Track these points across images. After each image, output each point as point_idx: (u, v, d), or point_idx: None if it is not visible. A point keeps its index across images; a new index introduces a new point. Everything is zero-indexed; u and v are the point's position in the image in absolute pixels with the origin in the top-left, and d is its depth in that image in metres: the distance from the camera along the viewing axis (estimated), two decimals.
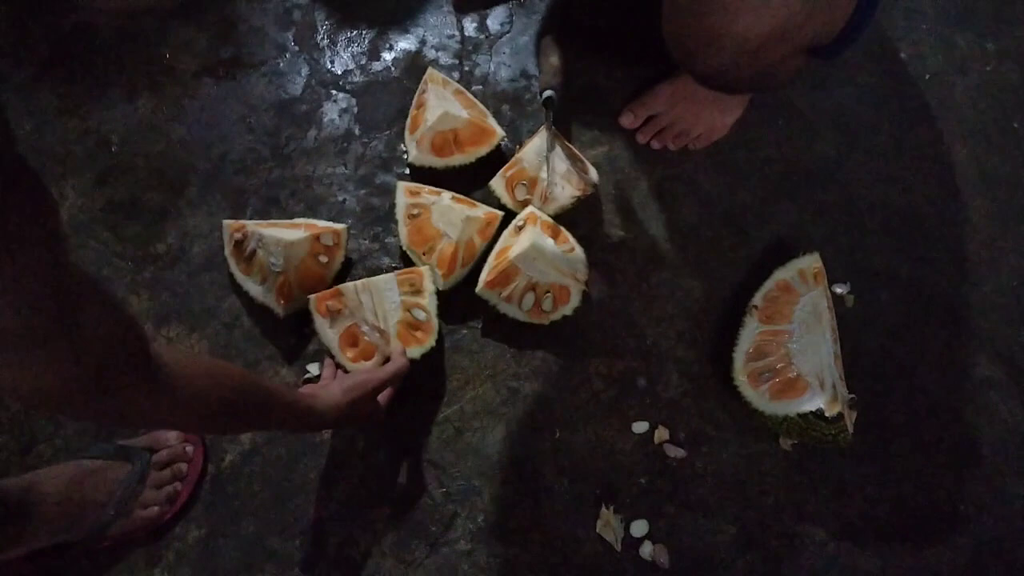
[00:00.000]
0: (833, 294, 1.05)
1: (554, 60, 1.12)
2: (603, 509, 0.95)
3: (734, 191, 1.13)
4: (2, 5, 1.28)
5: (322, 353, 1.03)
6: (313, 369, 1.01)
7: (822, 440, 0.92)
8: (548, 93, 1.08)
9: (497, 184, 1.08)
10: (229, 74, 1.21)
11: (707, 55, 0.83)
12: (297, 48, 1.23)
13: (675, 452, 0.98)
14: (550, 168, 1.04)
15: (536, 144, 1.07)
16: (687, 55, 0.86)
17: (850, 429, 0.91)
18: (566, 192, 1.06)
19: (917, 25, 1.25)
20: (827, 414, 0.89)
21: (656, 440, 0.98)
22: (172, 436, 0.96)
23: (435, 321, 1.00)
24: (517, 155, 1.08)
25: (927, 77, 1.22)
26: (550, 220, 1.05)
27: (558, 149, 1.06)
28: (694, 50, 0.84)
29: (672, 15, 0.85)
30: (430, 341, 0.99)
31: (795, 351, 0.96)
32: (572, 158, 1.08)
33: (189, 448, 0.96)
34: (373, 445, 0.98)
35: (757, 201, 1.13)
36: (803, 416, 0.90)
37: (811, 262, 1.02)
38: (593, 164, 1.10)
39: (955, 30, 1.25)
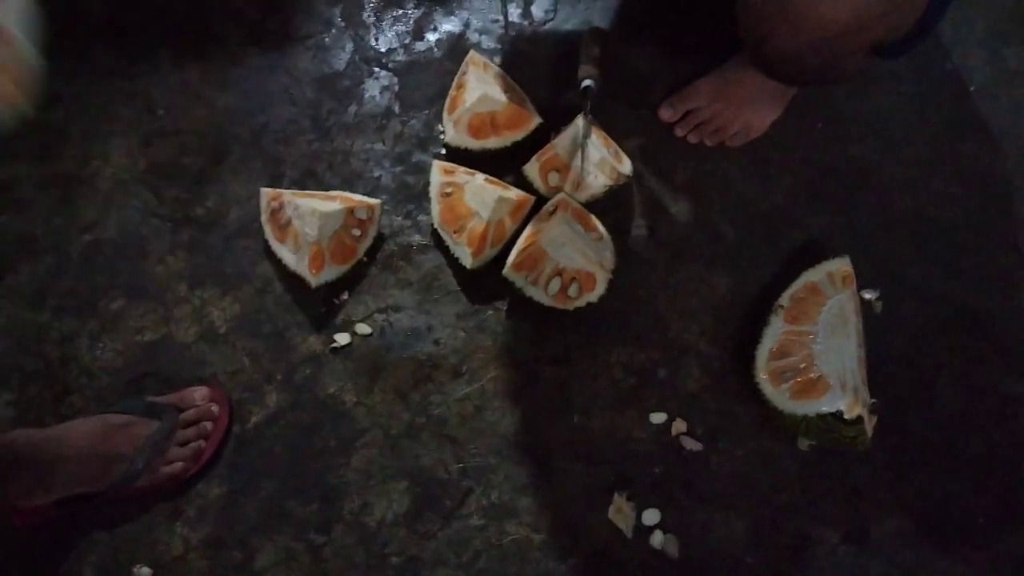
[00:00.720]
0: (861, 299, 1.05)
1: (595, 51, 1.12)
2: (616, 496, 0.96)
3: (767, 190, 1.13)
4: None
5: (350, 324, 1.05)
6: (341, 339, 1.03)
7: (840, 442, 0.93)
8: (587, 83, 1.08)
9: (531, 169, 1.09)
10: (275, 46, 1.23)
11: (783, 38, 0.81)
12: (343, 24, 1.25)
13: (692, 445, 0.99)
14: (584, 156, 1.05)
15: (572, 132, 1.08)
16: (761, 37, 0.85)
17: (869, 433, 0.91)
18: (599, 181, 1.07)
19: (966, 37, 1.24)
20: (847, 416, 0.89)
21: (673, 432, 0.99)
22: (199, 395, 0.98)
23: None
24: (552, 141, 1.08)
25: (972, 89, 1.20)
26: (581, 207, 1.06)
27: (593, 138, 1.07)
28: (770, 32, 0.82)
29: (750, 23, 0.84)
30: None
31: (819, 352, 0.96)
32: (607, 147, 1.08)
33: (215, 407, 0.98)
34: (394, 417, 1.00)
35: (790, 202, 1.12)
36: (822, 417, 0.91)
37: (841, 265, 1.02)
38: (627, 154, 1.11)
39: (1004, 44, 1.24)
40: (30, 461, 0.87)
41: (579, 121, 1.08)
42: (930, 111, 1.18)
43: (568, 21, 1.25)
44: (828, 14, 0.76)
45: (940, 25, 1.22)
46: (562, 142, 1.08)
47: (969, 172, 1.15)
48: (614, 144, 1.11)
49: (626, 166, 1.09)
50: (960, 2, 1.23)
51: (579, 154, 1.06)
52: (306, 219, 1.02)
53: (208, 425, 0.97)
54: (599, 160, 1.07)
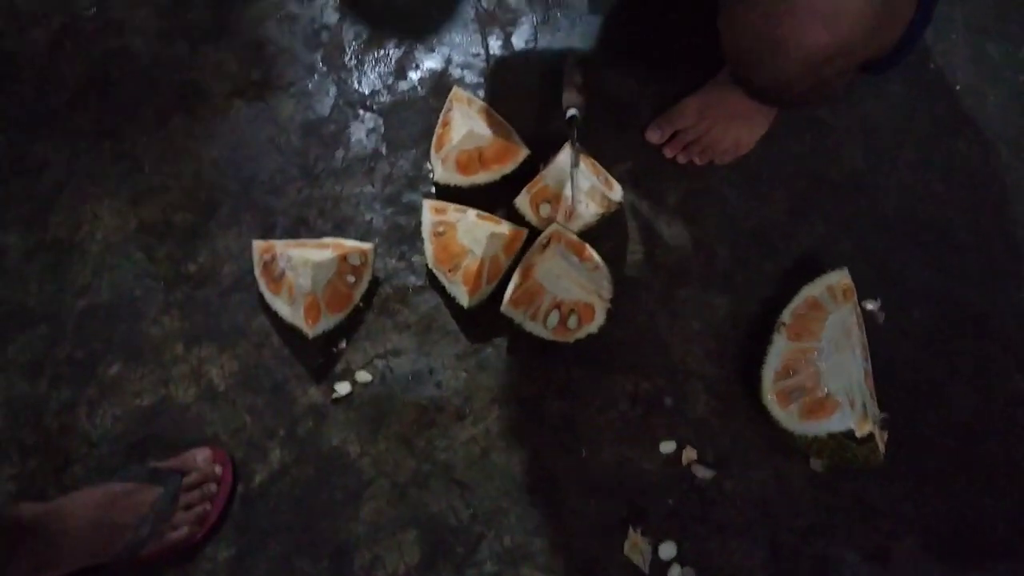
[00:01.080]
0: (863, 310, 1.04)
1: (577, 80, 1.12)
2: (630, 531, 0.95)
3: (760, 206, 1.12)
4: (37, 30, 1.31)
5: (350, 372, 1.04)
6: (341, 388, 1.02)
7: (853, 461, 0.91)
8: (571, 112, 1.08)
9: (522, 202, 1.08)
10: (259, 96, 1.23)
11: (771, 67, 0.81)
12: (325, 69, 1.25)
13: (703, 472, 0.97)
14: (574, 186, 1.04)
15: (560, 162, 1.07)
16: (748, 66, 0.85)
17: (881, 449, 0.90)
18: (590, 209, 1.06)
19: (947, 35, 1.23)
20: (858, 435, 0.88)
21: (684, 460, 0.98)
22: (201, 457, 0.97)
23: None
24: (541, 173, 1.08)
25: (957, 88, 1.20)
26: (574, 237, 1.05)
27: (582, 167, 1.06)
28: (756, 62, 0.82)
29: (736, 25, 0.83)
30: None
31: (824, 369, 0.94)
32: (596, 175, 1.08)
33: (218, 468, 0.97)
34: (400, 465, 0.99)
35: (784, 216, 1.12)
36: (833, 436, 0.89)
37: (840, 278, 1.01)
38: (617, 180, 1.10)
39: (986, 40, 1.23)
40: (34, 537, 0.86)
41: (566, 150, 1.07)
42: (918, 113, 1.18)
43: (549, 50, 1.24)
44: (812, 42, 0.75)
45: None
46: (551, 173, 1.07)
47: (962, 172, 1.14)
48: (604, 171, 1.10)
49: (616, 193, 1.08)
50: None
51: (569, 184, 1.05)
52: (299, 270, 1.01)
53: (212, 487, 0.96)
54: (589, 188, 1.06)
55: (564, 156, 1.08)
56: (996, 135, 1.16)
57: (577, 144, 1.07)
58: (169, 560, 0.95)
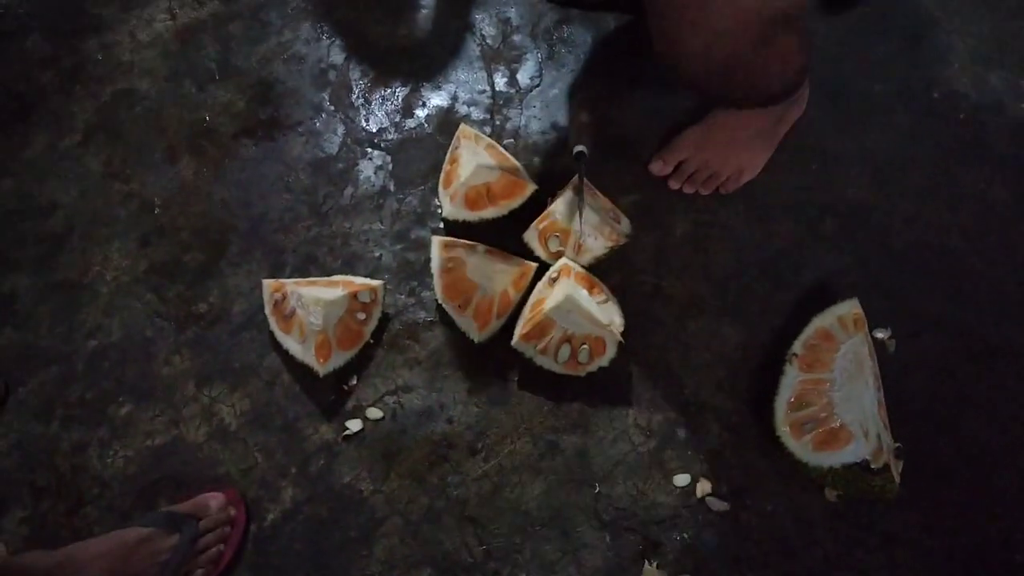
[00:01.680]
0: (874, 339, 1.04)
1: (584, 117, 1.13)
2: (646, 565, 0.94)
3: (769, 236, 1.13)
4: (46, 73, 1.33)
5: (361, 409, 1.04)
6: (353, 426, 1.02)
7: (869, 492, 0.91)
8: (579, 148, 1.09)
9: (530, 236, 1.09)
10: (267, 135, 1.24)
11: (689, 40, 0.82)
12: (332, 108, 1.26)
13: (718, 505, 0.96)
14: (582, 220, 1.05)
15: (568, 197, 1.08)
16: (671, 46, 0.86)
17: (896, 480, 0.89)
18: (599, 243, 1.07)
19: (949, 65, 1.25)
20: (873, 465, 0.87)
21: (699, 493, 0.97)
22: (215, 503, 0.96)
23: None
24: (549, 208, 1.08)
25: (961, 116, 1.21)
26: (584, 271, 1.06)
27: (590, 201, 1.07)
28: (676, 38, 0.83)
29: (656, 15, 0.85)
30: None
31: (838, 400, 0.94)
32: (604, 209, 1.08)
33: (232, 510, 0.97)
34: (413, 502, 0.98)
35: (793, 246, 1.12)
36: (848, 467, 0.89)
37: (850, 308, 1.01)
38: (625, 212, 1.11)
39: (988, 68, 1.24)
40: None
41: (574, 184, 1.08)
42: (923, 142, 1.19)
43: (554, 86, 1.26)
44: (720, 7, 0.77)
45: (922, 54, 1.23)
46: (559, 208, 1.08)
47: (968, 199, 1.14)
48: (611, 204, 1.10)
49: (624, 225, 1.08)
50: (937, 30, 1.25)
51: (577, 219, 1.06)
52: (310, 308, 1.02)
53: (227, 529, 0.95)
54: (597, 223, 1.07)
55: (571, 191, 1.08)
56: (1000, 162, 1.16)
57: (585, 180, 1.07)
58: None
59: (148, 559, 0.90)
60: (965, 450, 0.99)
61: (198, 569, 0.93)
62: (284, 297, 1.05)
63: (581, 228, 1.05)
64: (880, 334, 1.05)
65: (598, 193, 1.10)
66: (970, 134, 1.19)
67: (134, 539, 0.91)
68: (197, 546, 0.93)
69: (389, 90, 1.27)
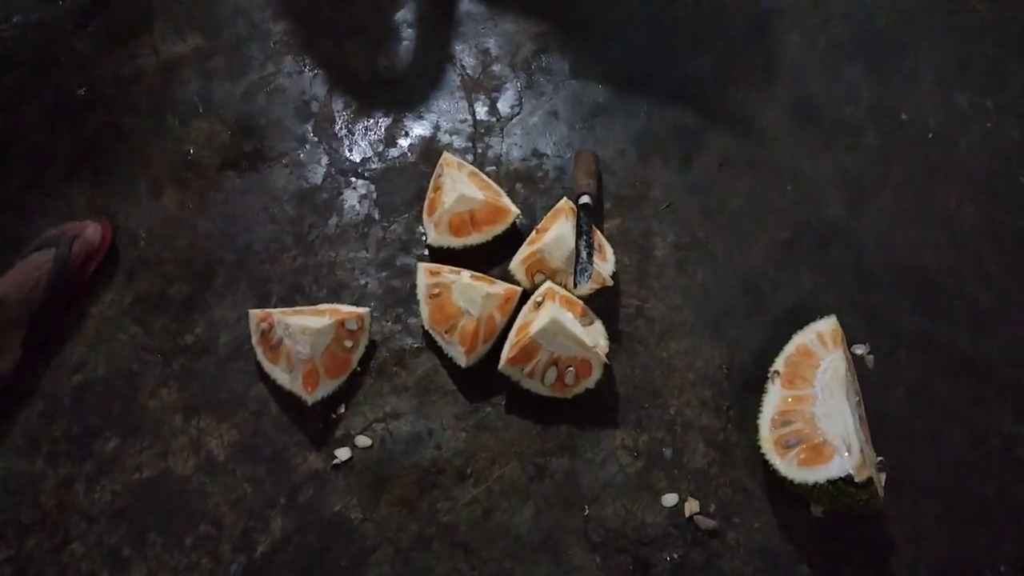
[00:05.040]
0: (853, 355, 1.06)
1: (590, 167, 1.15)
2: None
3: (747, 257, 1.15)
4: (30, 108, 1.34)
5: (349, 437, 1.04)
6: (341, 454, 1.02)
7: (854, 506, 0.92)
8: (585, 199, 1.11)
9: (517, 269, 1.10)
10: (251, 167, 1.25)
11: None
12: (316, 139, 1.28)
13: (706, 524, 0.97)
14: (577, 271, 1.06)
15: (558, 237, 1.09)
16: None
17: (880, 493, 0.91)
18: (585, 288, 1.08)
19: (916, 87, 1.29)
20: (856, 480, 0.88)
21: (687, 512, 0.98)
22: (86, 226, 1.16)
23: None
24: (538, 244, 1.09)
25: (930, 136, 1.24)
26: (568, 294, 1.07)
27: (585, 248, 1.08)
28: None
29: None
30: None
31: (820, 415, 0.96)
32: (597, 249, 1.10)
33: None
34: (403, 529, 0.98)
35: (771, 265, 1.14)
36: (832, 483, 0.90)
37: (829, 325, 1.03)
38: (607, 237, 1.13)
39: (954, 89, 1.28)
40: None
41: (565, 226, 1.09)
42: (894, 162, 1.22)
43: (534, 113, 1.28)
44: None
45: (889, 77, 1.27)
46: (548, 245, 1.09)
47: (939, 217, 1.17)
48: (600, 237, 1.12)
49: (610, 263, 1.10)
50: (903, 54, 1.29)
51: (573, 268, 1.06)
52: (297, 338, 1.02)
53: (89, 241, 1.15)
54: (592, 272, 1.07)
55: (562, 231, 1.09)
56: (969, 180, 1.20)
57: (590, 229, 1.09)
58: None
59: (36, 270, 1.10)
60: (946, 462, 1.01)
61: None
62: (271, 327, 1.06)
63: (577, 281, 1.06)
64: (859, 350, 1.07)
65: (596, 235, 1.11)
66: (939, 153, 1.23)
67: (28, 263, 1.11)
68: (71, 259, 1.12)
69: (372, 120, 1.29)
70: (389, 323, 1.12)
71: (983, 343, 1.08)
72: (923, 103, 1.27)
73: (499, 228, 1.14)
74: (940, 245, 1.15)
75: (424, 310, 1.09)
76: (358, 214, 1.21)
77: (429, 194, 1.18)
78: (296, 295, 1.14)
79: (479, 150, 1.26)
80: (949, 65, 1.31)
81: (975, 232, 1.16)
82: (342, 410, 1.06)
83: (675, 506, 0.99)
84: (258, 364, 1.08)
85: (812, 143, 1.24)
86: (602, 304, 1.10)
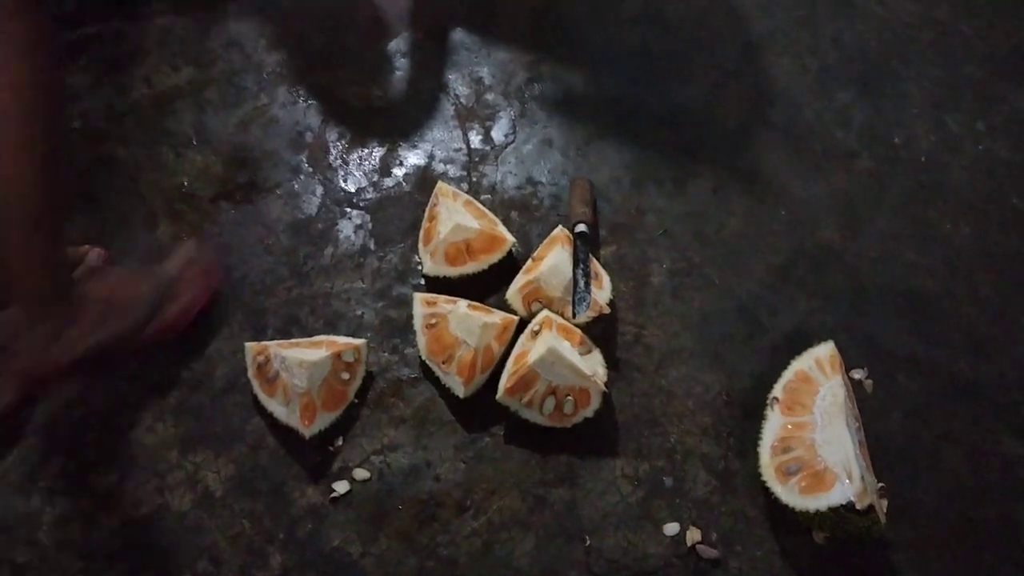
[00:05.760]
0: (851, 379, 1.06)
1: (585, 195, 1.16)
2: None
3: (743, 282, 1.15)
4: None
5: (347, 470, 1.03)
6: (340, 487, 1.01)
7: (855, 533, 0.92)
8: (581, 227, 1.11)
9: (513, 298, 1.10)
10: (246, 198, 1.25)
11: None
12: (311, 169, 1.28)
13: (708, 553, 0.97)
14: (576, 301, 1.06)
15: (553, 263, 1.09)
16: None
17: (882, 519, 0.91)
18: (582, 318, 1.08)
19: (907, 110, 1.30)
20: (858, 507, 0.88)
21: (688, 541, 0.97)
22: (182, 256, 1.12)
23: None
24: (534, 273, 1.10)
25: (922, 159, 1.25)
26: (566, 322, 1.07)
27: (583, 277, 1.08)
28: None
29: None
30: None
31: (820, 442, 0.96)
32: (594, 276, 1.10)
33: (204, 262, 1.14)
34: (403, 563, 0.98)
35: (767, 291, 1.14)
36: (834, 510, 0.90)
37: (827, 350, 1.03)
38: (603, 264, 1.13)
39: (944, 112, 1.30)
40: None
41: (562, 255, 1.10)
42: (887, 185, 1.23)
43: (528, 141, 1.29)
44: None
45: (880, 101, 1.28)
46: (545, 275, 1.09)
47: (933, 240, 1.18)
48: (597, 266, 1.12)
49: (606, 291, 1.10)
50: (894, 77, 1.31)
51: (570, 299, 1.06)
52: (293, 371, 1.02)
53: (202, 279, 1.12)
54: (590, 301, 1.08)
55: (558, 259, 1.09)
56: (963, 202, 1.21)
57: (587, 257, 1.09)
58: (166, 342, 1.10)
59: (136, 291, 1.04)
60: (947, 487, 1.01)
61: (177, 308, 1.08)
62: (267, 360, 1.05)
63: (575, 311, 1.06)
64: (857, 375, 1.07)
65: (593, 262, 1.12)
66: (932, 176, 1.23)
67: (126, 276, 1.06)
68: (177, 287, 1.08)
69: (366, 150, 1.30)
70: (386, 354, 1.12)
71: (980, 365, 1.09)
72: (915, 126, 1.28)
73: (495, 257, 1.14)
74: (935, 268, 1.15)
75: (421, 340, 1.09)
76: (353, 244, 1.21)
77: (424, 223, 1.18)
78: (292, 327, 1.14)
79: (474, 179, 1.26)
80: (940, 88, 1.32)
81: (970, 254, 1.16)
82: (339, 443, 1.05)
83: (677, 535, 0.98)
84: (255, 397, 1.07)
85: (805, 167, 1.25)
86: (599, 332, 1.10)
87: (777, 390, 1.02)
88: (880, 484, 0.96)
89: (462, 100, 1.35)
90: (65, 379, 1.01)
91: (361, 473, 1.03)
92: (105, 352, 0.99)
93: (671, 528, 0.98)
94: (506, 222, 1.20)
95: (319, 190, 1.26)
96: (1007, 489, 1.01)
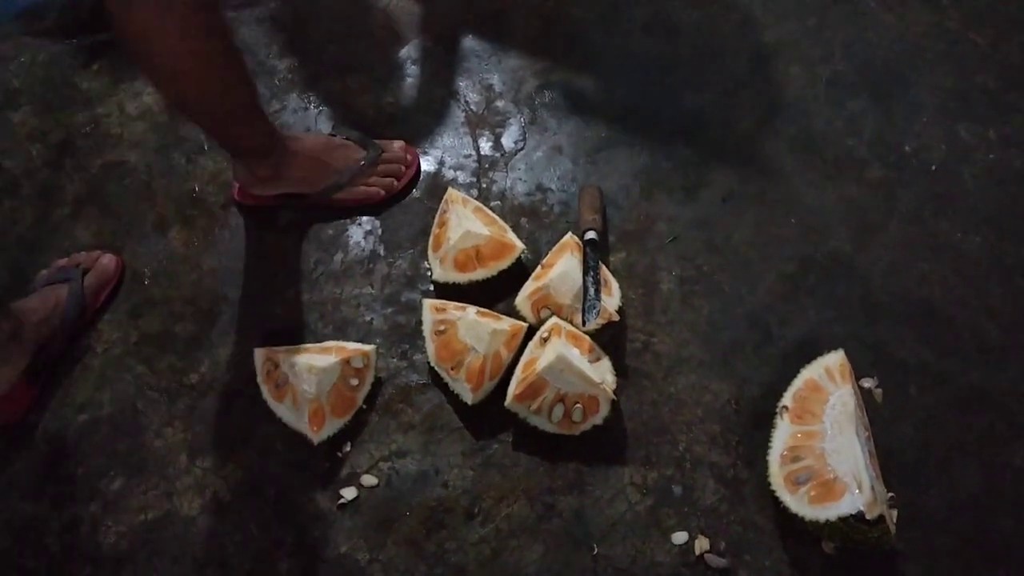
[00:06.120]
0: (861, 388, 1.05)
1: (595, 203, 1.16)
2: None
3: (753, 290, 1.15)
4: (36, 147, 1.35)
5: (355, 476, 1.03)
6: (347, 493, 1.01)
7: (865, 543, 0.91)
8: (591, 235, 1.11)
9: (523, 305, 1.10)
10: (256, 203, 1.25)
11: None
12: None
13: (717, 562, 0.96)
14: (586, 308, 1.06)
15: (565, 273, 1.09)
16: None
17: (892, 530, 0.90)
18: (591, 325, 1.08)
19: (918, 119, 1.29)
20: (868, 517, 0.88)
21: (697, 551, 0.97)
22: (397, 145, 1.26)
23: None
24: (543, 280, 1.10)
25: (933, 168, 1.24)
26: (575, 329, 1.07)
27: (593, 285, 1.08)
28: None
29: None
30: None
31: (830, 451, 0.95)
32: (603, 283, 1.10)
33: (409, 156, 1.26)
34: (411, 571, 0.97)
35: (777, 299, 1.14)
36: (843, 520, 0.89)
37: (837, 359, 1.02)
38: (612, 271, 1.13)
39: (956, 121, 1.29)
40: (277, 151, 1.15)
41: (571, 262, 1.09)
42: (898, 194, 1.22)
43: (538, 148, 1.29)
44: None
45: (891, 110, 1.28)
46: (554, 281, 1.09)
47: (944, 249, 1.17)
48: (606, 273, 1.12)
49: (616, 298, 1.10)
50: (905, 86, 1.30)
51: (581, 305, 1.06)
52: (303, 376, 1.02)
53: (401, 167, 1.25)
54: (600, 308, 1.08)
55: (567, 267, 1.09)
56: (974, 212, 1.20)
57: (596, 265, 1.09)
58: (353, 210, 1.24)
59: (343, 160, 1.22)
60: (958, 498, 1.00)
61: (374, 188, 1.23)
62: (276, 366, 1.05)
63: (585, 319, 1.05)
64: (867, 383, 1.07)
65: (602, 270, 1.12)
66: (943, 185, 1.23)
67: (338, 143, 1.23)
68: (377, 167, 1.23)
69: None
70: (395, 360, 1.12)
71: (992, 375, 1.08)
72: (926, 135, 1.28)
73: (504, 263, 1.14)
74: (946, 277, 1.15)
75: (430, 347, 1.09)
76: (363, 250, 1.21)
77: (434, 230, 1.19)
78: (302, 332, 1.14)
79: (483, 185, 1.26)
80: (951, 97, 1.32)
81: (981, 263, 1.16)
82: (348, 448, 1.05)
83: (685, 544, 0.98)
84: (263, 403, 1.07)
85: (815, 176, 1.24)
86: (608, 339, 1.10)
87: (787, 399, 1.02)
88: (890, 494, 0.96)
89: (472, 107, 1.35)
90: (261, 204, 1.23)
91: (369, 479, 1.03)
92: (299, 197, 1.21)
93: (679, 537, 0.98)
94: (516, 229, 1.20)
95: None
96: (1019, 499, 1.00)
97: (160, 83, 1.00)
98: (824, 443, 0.96)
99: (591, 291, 1.06)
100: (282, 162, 1.15)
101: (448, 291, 1.15)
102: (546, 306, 1.09)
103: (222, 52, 0.95)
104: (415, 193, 1.26)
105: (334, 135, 1.27)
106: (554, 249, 1.14)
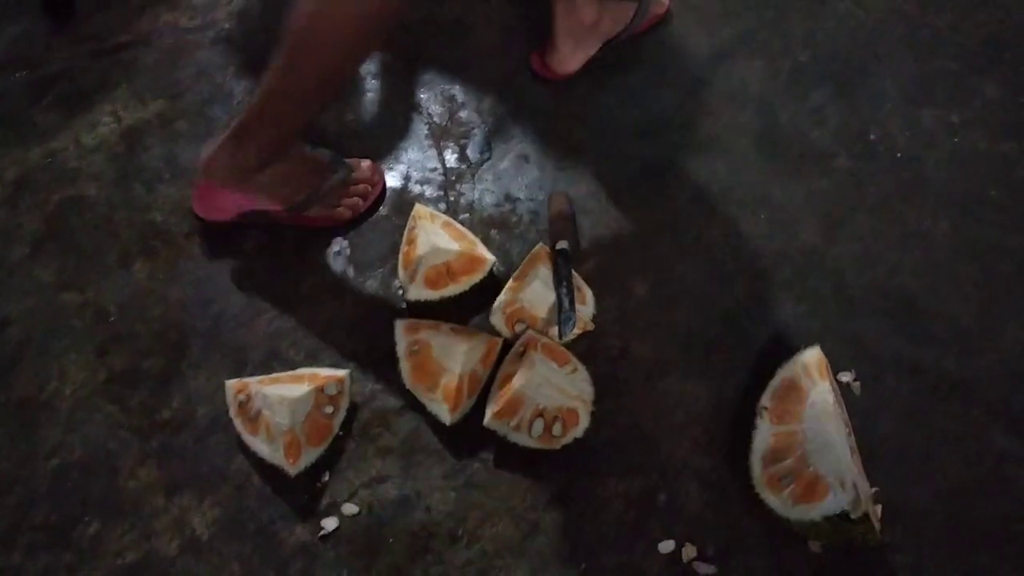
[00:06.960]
0: (839, 383, 1.05)
1: (564, 210, 1.15)
2: None
3: (726, 290, 1.14)
4: None
5: (336, 506, 1.01)
6: (328, 524, 1.00)
7: (851, 540, 0.91)
8: (562, 245, 1.10)
9: (497, 320, 1.09)
10: (220, 231, 1.23)
11: None
12: None
13: (705, 569, 0.96)
14: (561, 321, 1.04)
15: (535, 283, 1.08)
16: None
17: (877, 525, 0.90)
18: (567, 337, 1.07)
19: (882, 106, 1.29)
20: (852, 515, 0.88)
21: (685, 558, 0.96)
22: (365, 165, 1.24)
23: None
24: (517, 293, 1.09)
25: (898, 156, 1.25)
26: (550, 341, 1.06)
27: (567, 296, 1.07)
28: None
29: None
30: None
31: (811, 450, 0.95)
32: (577, 291, 1.09)
33: (376, 177, 1.25)
34: None
35: (751, 297, 1.14)
36: (828, 519, 0.89)
37: (813, 355, 1.02)
38: (584, 278, 1.12)
39: (918, 107, 1.29)
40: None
41: (544, 274, 1.09)
42: (865, 183, 1.22)
43: (504, 158, 1.28)
44: None
45: (854, 98, 1.28)
46: (527, 295, 1.08)
47: (914, 237, 1.17)
48: (579, 280, 1.11)
49: (589, 306, 1.09)
50: (867, 74, 1.30)
51: (556, 318, 1.05)
52: (275, 408, 1.00)
53: (368, 187, 1.23)
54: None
55: (540, 278, 1.09)
56: (940, 198, 1.20)
57: (569, 275, 1.08)
58: (320, 232, 1.22)
59: (315, 176, 1.18)
60: (941, 488, 1.00)
61: (341, 208, 1.21)
62: (248, 397, 1.03)
63: (561, 331, 1.04)
64: (845, 377, 1.07)
65: (575, 277, 1.10)
66: (909, 172, 1.23)
67: (310, 158, 1.19)
68: (346, 187, 1.21)
69: None
70: (370, 384, 1.10)
71: (967, 361, 1.08)
72: (890, 122, 1.28)
73: (476, 277, 1.12)
74: (917, 265, 1.15)
75: (404, 368, 1.07)
76: (333, 272, 1.19)
77: (403, 247, 1.17)
78: (273, 360, 1.12)
79: (451, 198, 1.25)
80: (912, 83, 1.32)
81: (950, 249, 1.16)
82: (326, 478, 1.03)
83: (672, 552, 0.97)
84: (238, 436, 1.05)
85: (782, 170, 1.24)
86: (585, 348, 1.09)
87: (765, 399, 1.01)
88: (873, 489, 0.96)
89: (435, 119, 1.34)
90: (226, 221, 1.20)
91: (350, 508, 1.01)
92: (264, 214, 1.18)
93: (666, 546, 0.97)
94: (486, 241, 1.19)
95: None
96: (1001, 485, 1.00)
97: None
98: (805, 443, 0.95)
99: (565, 303, 1.05)
100: (258, 172, 1.12)
101: (421, 309, 1.13)
102: (521, 319, 1.08)
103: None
104: (382, 211, 1.24)
105: (307, 151, 1.22)
106: (526, 260, 1.12)
